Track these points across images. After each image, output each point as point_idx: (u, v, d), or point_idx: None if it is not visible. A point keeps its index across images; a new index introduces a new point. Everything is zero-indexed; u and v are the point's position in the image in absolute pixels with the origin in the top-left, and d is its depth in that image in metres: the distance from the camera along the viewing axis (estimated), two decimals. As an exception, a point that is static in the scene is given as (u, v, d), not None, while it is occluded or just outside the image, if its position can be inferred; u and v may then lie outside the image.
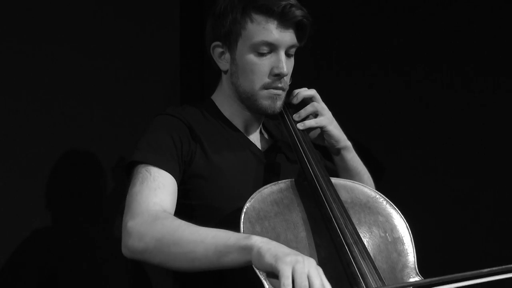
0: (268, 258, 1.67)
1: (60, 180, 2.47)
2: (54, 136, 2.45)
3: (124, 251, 1.86)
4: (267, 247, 1.69)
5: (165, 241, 1.79)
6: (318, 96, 2.17)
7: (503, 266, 1.67)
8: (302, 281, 1.63)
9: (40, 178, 2.42)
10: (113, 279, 2.63)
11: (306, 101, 2.16)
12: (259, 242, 1.70)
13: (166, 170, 1.96)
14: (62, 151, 2.48)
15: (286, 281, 1.63)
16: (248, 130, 2.19)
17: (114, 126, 2.62)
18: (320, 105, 2.16)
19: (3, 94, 2.33)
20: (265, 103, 2.10)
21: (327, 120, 2.14)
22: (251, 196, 1.87)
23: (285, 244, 1.80)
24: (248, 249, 1.71)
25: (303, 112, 2.14)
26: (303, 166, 2.01)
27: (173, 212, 1.92)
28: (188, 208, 2.03)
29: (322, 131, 2.15)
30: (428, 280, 1.68)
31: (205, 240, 1.76)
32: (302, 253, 1.79)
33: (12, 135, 2.34)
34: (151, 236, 1.81)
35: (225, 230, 1.78)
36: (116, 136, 2.43)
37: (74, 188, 2.51)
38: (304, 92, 2.16)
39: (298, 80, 2.17)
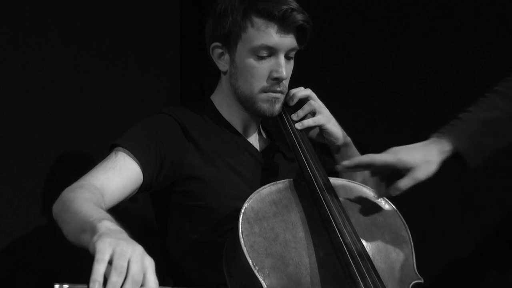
0: (94, 238, 1.53)
1: (60, 180, 2.46)
2: (54, 136, 2.45)
3: None
4: (103, 230, 1.54)
5: (63, 207, 1.77)
6: (314, 95, 2.17)
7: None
8: (119, 261, 1.46)
9: (40, 178, 2.41)
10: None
11: (303, 100, 2.16)
12: (104, 227, 1.56)
13: (135, 158, 1.95)
14: (62, 151, 2.48)
15: (101, 256, 1.46)
16: (247, 130, 2.18)
17: (114, 126, 2.61)
18: (317, 103, 2.15)
19: (3, 94, 2.33)
20: (264, 106, 2.09)
21: (325, 118, 2.14)
22: (250, 197, 1.87)
23: (283, 244, 1.81)
24: (94, 230, 1.57)
25: (301, 112, 2.14)
26: (302, 166, 2.01)
27: (115, 196, 1.89)
28: (186, 209, 2.04)
29: (321, 129, 2.15)
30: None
31: (79, 214, 1.68)
32: (300, 253, 1.81)
33: (12, 135, 2.34)
34: (60, 201, 1.80)
35: (101, 211, 1.70)
36: (116, 136, 2.42)
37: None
38: (299, 93, 2.15)
39: (296, 79, 2.17)
